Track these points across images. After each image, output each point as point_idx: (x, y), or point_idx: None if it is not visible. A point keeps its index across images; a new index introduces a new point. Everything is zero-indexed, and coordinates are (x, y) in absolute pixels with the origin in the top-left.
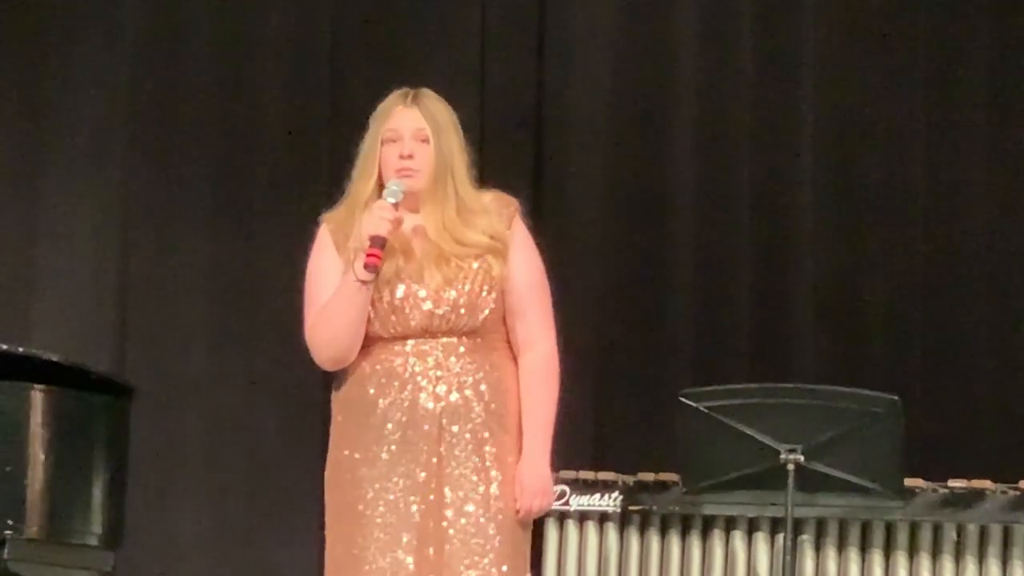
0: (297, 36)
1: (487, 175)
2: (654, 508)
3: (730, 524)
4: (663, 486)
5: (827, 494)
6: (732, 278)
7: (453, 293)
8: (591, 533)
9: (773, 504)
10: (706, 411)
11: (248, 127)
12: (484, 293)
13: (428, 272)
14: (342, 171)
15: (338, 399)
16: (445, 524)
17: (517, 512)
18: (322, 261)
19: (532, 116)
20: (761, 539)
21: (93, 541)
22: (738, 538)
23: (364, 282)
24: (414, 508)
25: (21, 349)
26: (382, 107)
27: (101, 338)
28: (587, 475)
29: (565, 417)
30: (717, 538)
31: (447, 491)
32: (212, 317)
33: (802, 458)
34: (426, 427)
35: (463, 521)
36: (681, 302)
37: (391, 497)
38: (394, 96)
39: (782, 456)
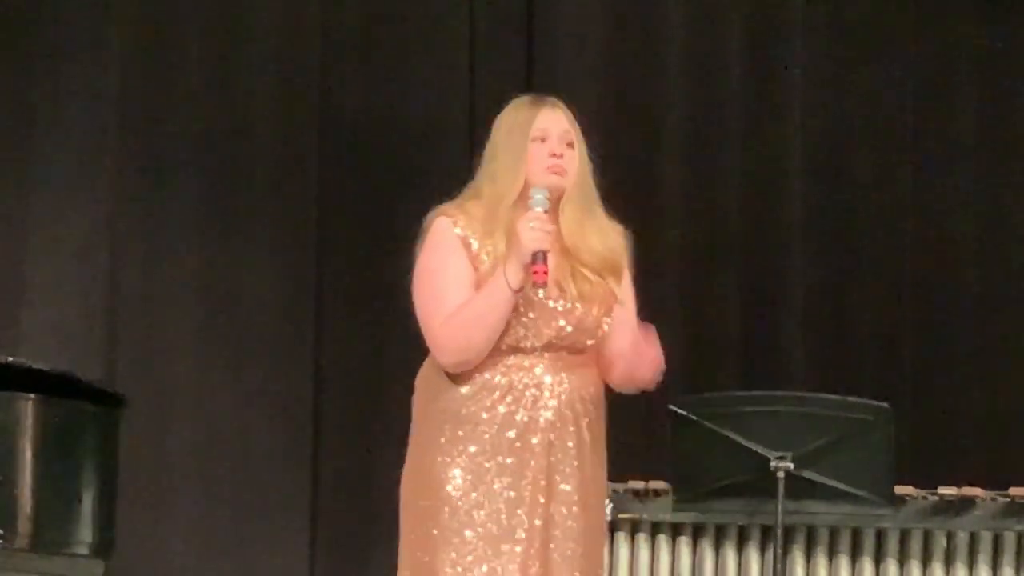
0: (286, 46)
1: None
2: (644, 516)
3: (720, 532)
4: (653, 494)
5: (817, 502)
6: (722, 286)
7: (582, 310)
8: None
9: (763, 512)
10: (696, 419)
11: (237, 138)
12: (604, 315)
13: (566, 285)
14: (331, 181)
15: (438, 407)
16: (550, 542)
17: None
18: (453, 259)
19: None
20: (751, 547)
21: (83, 550)
22: (728, 546)
23: (517, 291)
24: (520, 523)
25: (11, 359)
26: (522, 108)
27: (91, 348)
28: None
29: None
30: (707, 546)
31: (553, 507)
32: (202, 328)
33: (792, 466)
34: (535, 441)
35: (563, 537)
36: (671, 310)
37: (496, 509)
38: (530, 99)
39: (772, 464)
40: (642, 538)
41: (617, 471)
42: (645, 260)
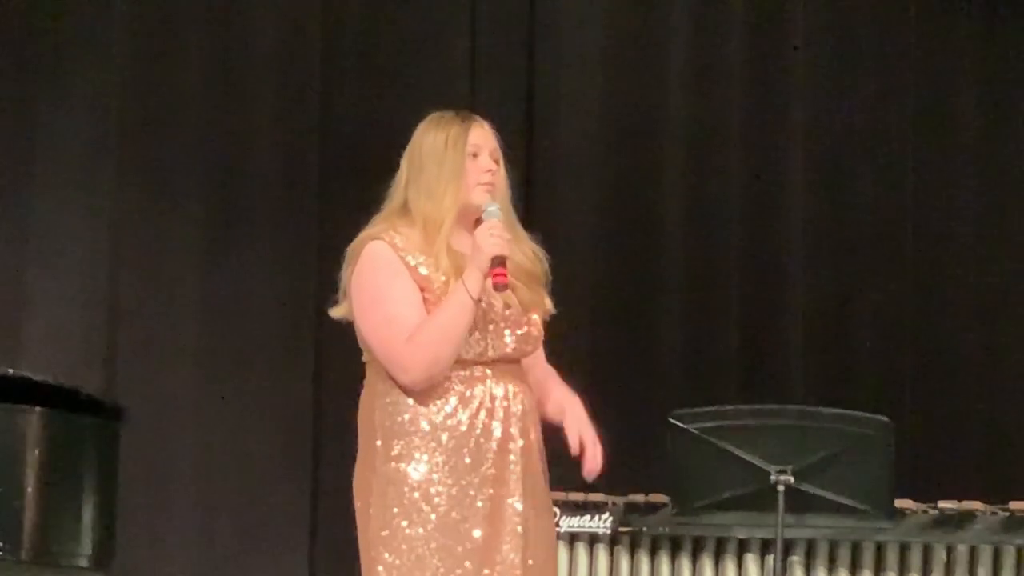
0: (288, 58)
1: None
2: (644, 529)
3: (720, 545)
4: (653, 507)
5: (817, 515)
6: (722, 299)
7: (527, 319)
8: (581, 554)
9: (763, 525)
10: (696, 432)
11: (238, 149)
12: (542, 323)
13: (510, 297)
14: (332, 193)
15: (407, 426)
16: (527, 555)
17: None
18: (399, 281)
19: (522, 137)
20: (751, 560)
21: (83, 563)
22: (728, 559)
23: (477, 300)
24: (505, 531)
25: (11, 371)
26: (451, 124)
27: (92, 360)
28: (577, 497)
29: (555, 438)
30: (707, 559)
31: (530, 518)
32: (202, 339)
33: (792, 479)
34: (511, 448)
35: (535, 541)
36: (671, 324)
37: (481, 521)
38: (456, 115)
39: (772, 477)
40: (642, 551)
41: (617, 484)
42: (646, 274)
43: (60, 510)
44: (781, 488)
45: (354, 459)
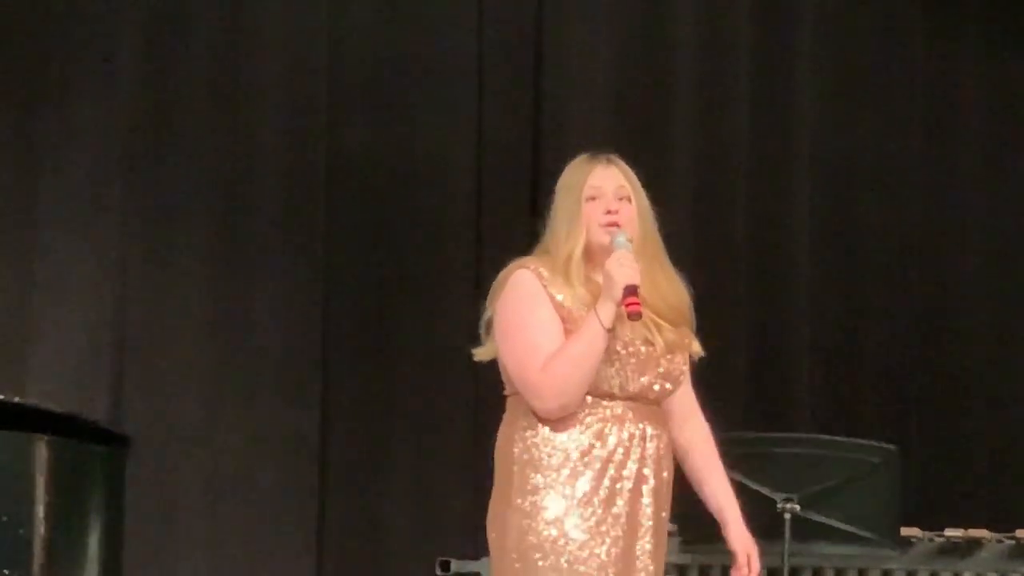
0: (293, 88)
1: (485, 227)
2: None
3: (727, 573)
4: None
5: (823, 543)
6: (729, 326)
7: (669, 359)
8: None
9: (770, 553)
10: None
11: (244, 176)
12: (684, 367)
13: (652, 336)
14: (338, 219)
15: (543, 460)
16: None
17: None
18: (541, 310)
19: (529, 166)
20: None
21: None
22: None
23: (609, 330)
24: (636, 569)
25: (18, 399)
26: (577, 168)
27: (98, 387)
28: None
29: None
30: None
31: (653, 560)
32: (209, 366)
33: (798, 507)
34: (644, 489)
35: None
36: None
37: (611, 558)
38: (586, 158)
39: (778, 505)
40: None
41: None
42: None
43: (67, 538)
44: (787, 516)
45: (360, 486)
